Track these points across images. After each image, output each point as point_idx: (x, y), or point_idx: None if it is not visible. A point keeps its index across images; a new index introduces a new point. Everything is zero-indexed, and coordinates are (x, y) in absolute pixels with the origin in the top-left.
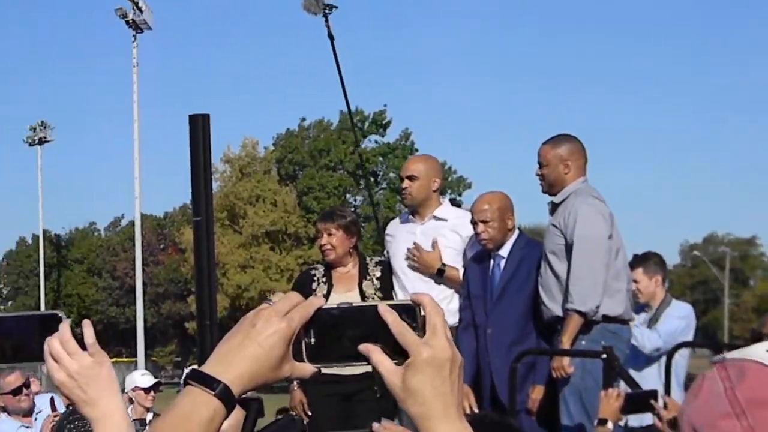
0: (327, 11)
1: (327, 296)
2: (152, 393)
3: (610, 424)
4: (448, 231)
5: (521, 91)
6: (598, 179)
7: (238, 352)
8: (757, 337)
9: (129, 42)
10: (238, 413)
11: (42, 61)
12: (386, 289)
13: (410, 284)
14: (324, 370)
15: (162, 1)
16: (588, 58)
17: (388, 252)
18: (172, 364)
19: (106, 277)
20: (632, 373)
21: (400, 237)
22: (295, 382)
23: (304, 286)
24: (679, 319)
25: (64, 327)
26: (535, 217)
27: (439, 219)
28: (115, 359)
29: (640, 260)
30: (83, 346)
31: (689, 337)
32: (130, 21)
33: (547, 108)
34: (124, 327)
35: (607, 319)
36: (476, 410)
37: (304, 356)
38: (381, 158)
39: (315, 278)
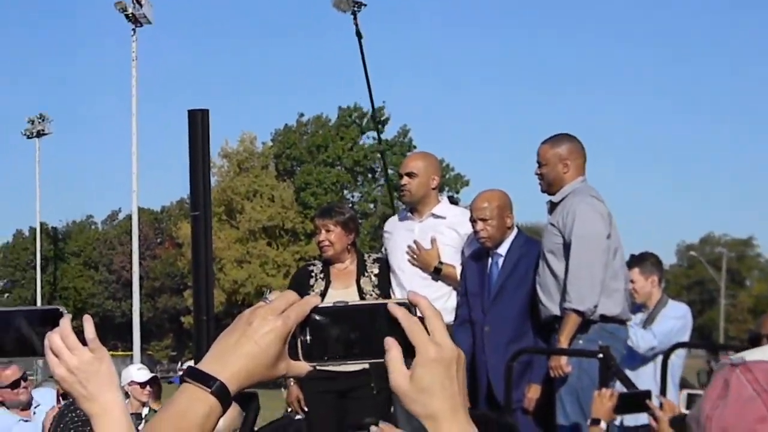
0: (356, 8)
1: (325, 292)
2: (148, 387)
3: (603, 424)
4: (446, 229)
5: (519, 90)
6: (595, 179)
7: (234, 350)
8: (755, 338)
9: (128, 36)
10: (234, 410)
11: (41, 54)
12: (384, 286)
13: (408, 281)
14: (319, 368)
15: None
16: (586, 57)
17: (386, 249)
18: (168, 358)
19: (102, 271)
20: (628, 372)
21: (399, 234)
22: (291, 378)
23: (301, 282)
24: (675, 319)
25: (65, 322)
26: (533, 216)
27: (437, 216)
28: (110, 353)
29: (636, 260)
30: (83, 341)
31: (685, 338)
32: (130, 15)
33: (544, 107)
34: (120, 321)
35: (604, 318)
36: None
37: (300, 354)
38: (379, 154)
39: (313, 274)
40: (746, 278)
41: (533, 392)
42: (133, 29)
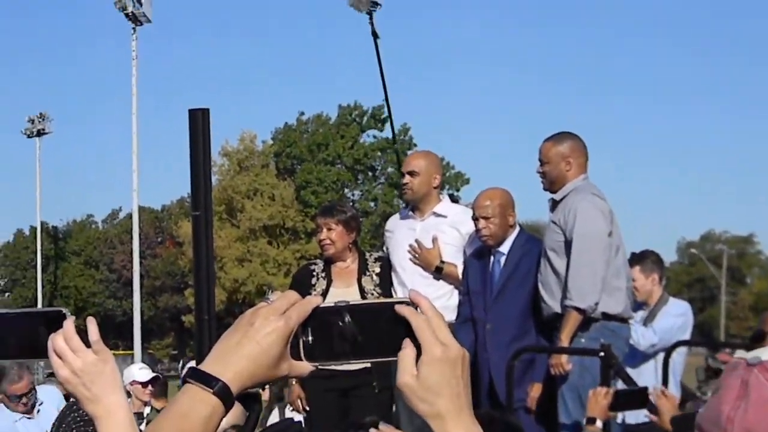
0: (372, 8)
1: (326, 291)
2: (150, 387)
3: (599, 423)
4: (447, 227)
5: (520, 87)
6: (596, 176)
7: (236, 351)
8: (759, 335)
9: (128, 34)
10: (236, 410)
11: (41, 53)
12: (385, 285)
13: (409, 280)
14: (321, 368)
15: None
16: (586, 54)
17: (387, 247)
18: (169, 357)
19: (103, 270)
20: (629, 370)
21: (400, 233)
22: (294, 378)
23: (303, 282)
24: (676, 316)
25: (69, 324)
26: (534, 214)
27: (438, 215)
28: (112, 352)
29: (637, 259)
30: (86, 341)
31: (686, 335)
32: (130, 14)
33: (545, 104)
34: (121, 320)
35: (606, 317)
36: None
37: (302, 354)
38: (379, 153)
39: (314, 273)
40: (747, 275)
41: (535, 391)
42: (133, 28)
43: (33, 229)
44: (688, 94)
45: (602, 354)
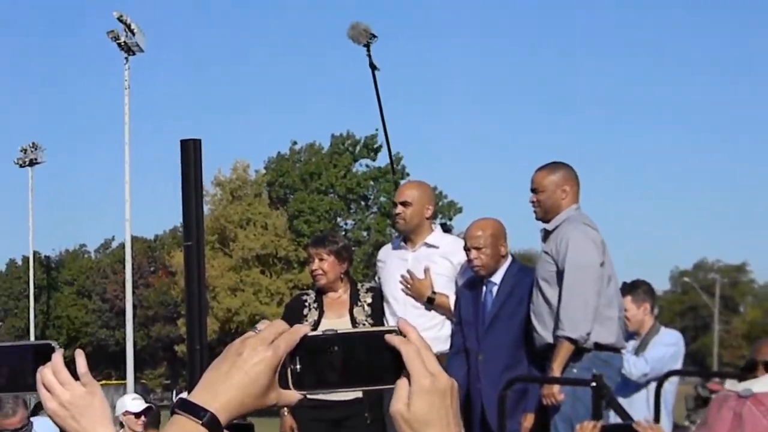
0: (370, 40)
1: (318, 322)
2: (143, 417)
3: None
4: (439, 258)
5: (513, 117)
6: (587, 205)
7: (224, 381)
8: (752, 364)
9: (121, 64)
10: None
11: (34, 83)
12: (377, 316)
13: (401, 310)
14: (310, 397)
15: (154, 24)
16: (578, 82)
17: (379, 277)
18: (162, 386)
19: (96, 300)
20: (621, 400)
21: (392, 263)
22: (285, 408)
23: (295, 312)
24: (667, 346)
25: (57, 357)
26: (527, 243)
27: (430, 246)
28: (104, 382)
29: (628, 288)
30: (74, 373)
31: (678, 364)
32: (122, 43)
33: (537, 134)
34: (114, 349)
35: (598, 347)
36: None
37: (290, 383)
38: (372, 182)
39: (306, 304)
40: (740, 304)
41: (528, 421)
42: (126, 58)
43: (25, 259)
44: (681, 123)
45: (594, 384)
